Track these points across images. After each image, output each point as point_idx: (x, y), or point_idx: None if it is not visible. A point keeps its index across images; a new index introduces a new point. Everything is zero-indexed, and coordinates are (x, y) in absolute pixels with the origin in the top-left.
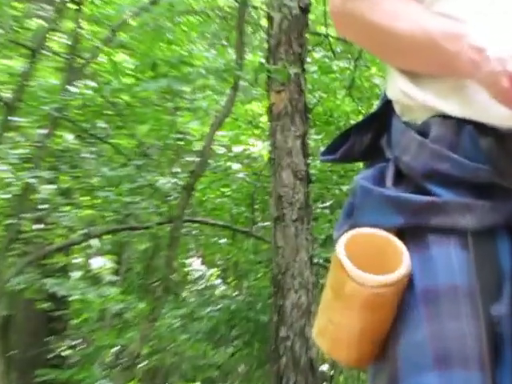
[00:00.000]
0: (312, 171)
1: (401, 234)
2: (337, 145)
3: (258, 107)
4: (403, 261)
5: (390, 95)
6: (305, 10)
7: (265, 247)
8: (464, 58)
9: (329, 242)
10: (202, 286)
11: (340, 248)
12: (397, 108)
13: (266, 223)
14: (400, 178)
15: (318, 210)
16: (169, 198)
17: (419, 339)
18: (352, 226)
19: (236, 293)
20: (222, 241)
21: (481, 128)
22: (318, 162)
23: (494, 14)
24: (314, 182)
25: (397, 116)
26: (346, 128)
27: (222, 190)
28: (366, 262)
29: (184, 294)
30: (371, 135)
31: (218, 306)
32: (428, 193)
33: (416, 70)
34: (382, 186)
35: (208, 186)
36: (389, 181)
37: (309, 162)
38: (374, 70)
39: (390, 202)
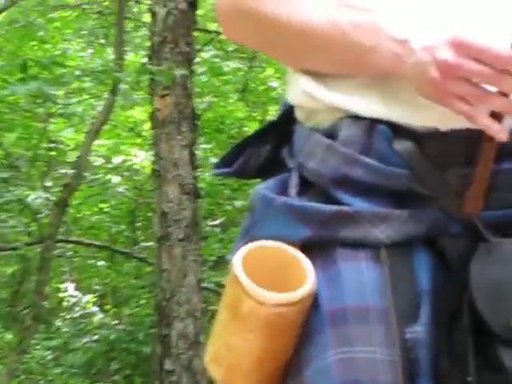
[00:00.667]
0: (201, 185)
1: (307, 247)
2: (232, 156)
3: (140, 113)
4: (308, 278)
5: (292, 99)
6: (192, 5)
7: (148, 270)
8: (384, 51)
9: (220, 264)
10: (77, 314)
11: (237, 262)
12: (300, 113)
13: (149, 243)
14: (305, 186)
15: (208, 229)
16: (40, 216)
17: (325, 365)
18: (251, 241)
19: (115, 321)
20: (100, 263)
21: (397, 129)
22: (208, 174)
23: (413, 2)
24: (203, 196)
25: (300, 122)
26: (242, 138)
27: (100, 205)
28: (267, 278)
29: (57, 323)
30: (270, 146)
31: (95, 337)
32: (337, 201)
33: (326, 70)
34: (285, 195)
35: (84, 202)
36: (292, 190)
37: (197, 174)
38: (269, 71)
39: (294, 213)
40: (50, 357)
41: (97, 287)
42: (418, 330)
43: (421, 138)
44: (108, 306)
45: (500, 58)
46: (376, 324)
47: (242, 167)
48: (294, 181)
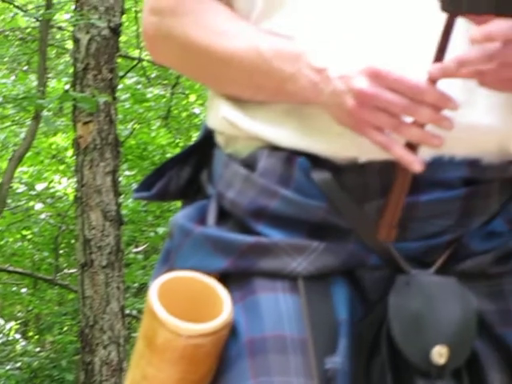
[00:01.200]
0: (124, 211)
1: (225, 277)
2: (152, 180)
3: (63, 140)
4: (224, 308)
5: (212, 124)
6: (115, 31)
7: (71, 297)
8: (302, 79)
9: (143, 291)
10: (0, 341)
11: (153, 293)
12: (220, 139)
13: (72, 270)
14: (224, 216)
15: (131, 255)
16: None
17: None
18: (169, 270)
19: (38, 349)
20: (23, 290)
21: (316, 160)
22: (131, 200)
23: (334, 31)
24: (126, 223)
25: (219, 148)
26: (162, 162)
27: (23, 232)
28: (184, 308)
29: None
30: (190, 170)
31: (18, 364)
32: (255, 233)
33: (249, 96)
34: (204, 224)
35: (6, 229)
36: (211, 219)
37: (120, 201)
38: (192, 97)
39: (212, 243)
40: None
41: (20, 314)
42: (337, 361)
43: (339, 169)
44: (31, 333)
45: (416, 88)
46: (294, 354)
47: (162, 191)
48: (212, 210)
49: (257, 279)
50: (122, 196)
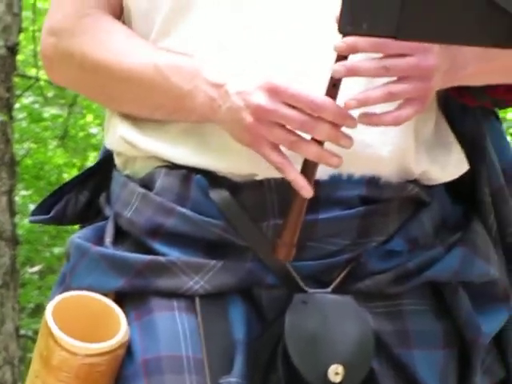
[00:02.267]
0: (20, 231)
1: (122, 296)
2: (49, 203)
3: None
4: (120, 327)
5: (110, 145)
6: (12, 50)
7: None
8: (200, 96)
9: (38, 312)
10: None
11: (48, 312)
12: (118, 160)
13: None
14: (121, 236)
15: (27, 275)
16: None
17: None
18: (66, 290)
19: None
20: None
21: (214, 178)
22: (27, 220)
23: (233, 47)
24: (21, 243)
25: (118, 169)
26: (60, 184)
27: None
28: (80, 328)
29: None
30: (89, 193)
31: None
32: (152, 251)
33: (145, 114)
34: (101, 245)
35: None
36: (108, 239)
37: (16, 221)
38: (89, 117)
39: (108, 263)
40: None
41: None
42: (232, 381)
43: (237, 187)
44: None
45: (314, 104)
46: (190, 374)
47: (60, 214)
48: (109, 230)
49: (153, 298)
50: (18, 216)
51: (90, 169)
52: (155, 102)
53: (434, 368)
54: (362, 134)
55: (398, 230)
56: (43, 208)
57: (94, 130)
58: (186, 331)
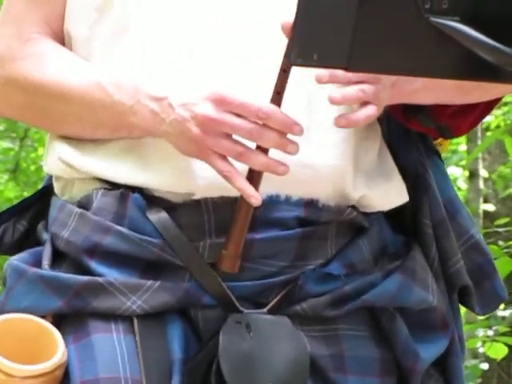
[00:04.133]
0: None
1: (60, 319)
2: None
3: None
4: (58, 349)
5: (49, 169)
6: None
7: None
8: (142, 110)
9: None
10: None
11: None
12: (56, 185)
13: None
14: (60, 258)
15: None
16: None
17: None
18: (2, 312)
19: None
20: None
21: (152, 198)
22: None
23: (174, 62)
24: None
25: (56, 195)
26: None
27: None
28: (18, 351)
29: None
30: (27, 223)
31: None
32: (89, 272)
33: (88, 134)
34: (39, 267)
35: None
36: (45, 260)
37: None
38: (41, 150)
39: (45, 283)
40: None
41: None
42: None
43: (175, 207)
44: None
45: (260, 112)
46: None
47: None
48: (47, 252)
49: (91, 320)
50: None
51: (28, 198)
52: (97, 120)
53: None
54: (302, 154)
55: (335, 254)
56: None
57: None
58: (124, 352)
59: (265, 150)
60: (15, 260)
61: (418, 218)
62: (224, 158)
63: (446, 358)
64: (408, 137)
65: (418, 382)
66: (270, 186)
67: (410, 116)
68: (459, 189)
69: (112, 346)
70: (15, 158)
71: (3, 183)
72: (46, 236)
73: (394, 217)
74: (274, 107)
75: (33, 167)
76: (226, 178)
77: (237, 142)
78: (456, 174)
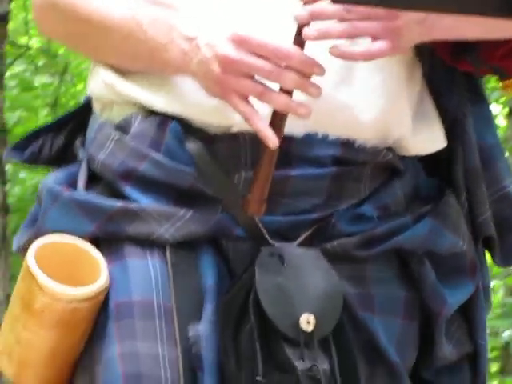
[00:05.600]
0: (10, 200)
1: (97, 241)
2: (25, 144)
3: None
4: (101, 273)
5: (92, 90)
6: (4, 19)
7: None
8: (174, 49)
9: None
10: None
11: (30, 257)
12: (96, 105)
13: None
14: (95, 180)
15: None
16: None
17: (110, 359)
18: (36, 234)
19: None
20: None
21: (189, 127)
22: (18, 189)
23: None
24: (12, 211)
25: (95, 114)
26: (37, 127)
27: None
28: (61, 273)
29: None
30: (65, 138)
31: None
32: (124, 197)
33: (125, 65)
34: (74, 188)
35: None
36: (81, 183)
37: (6, 189)
38: (80, 86)
39: (80, 207)
40: None
41: None
42: (201, 329)
43: (212, 138)
44: None
45: (280, 52)
46: (160, 321)
47: (35, 155)
48: (82, 173)
49: (126, 245)
50: (9, 184)
51: (68, 114)
52: (133, 53)
53: (392, 336)
54: (343, 95)
55: (369, 195)
56: (18, 149)
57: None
58: (158, 278)
59: (288, 93)
60: (50, 181)
61: (451, 164)
62: (245, 99)
63: (470, 304)
64: (452, 80)
65: (442, 327)
66: (308, 123)
67: (459, 57)
68: (498, 127)
69: (146, 271)
70: (55, 93)
71: (43, 118)
72: (82, 154)
73: (429, 160)
74: (293, 47)
75: (72, 102)
76: (245, 119)
77: (258, 82)
78: (495, 111)
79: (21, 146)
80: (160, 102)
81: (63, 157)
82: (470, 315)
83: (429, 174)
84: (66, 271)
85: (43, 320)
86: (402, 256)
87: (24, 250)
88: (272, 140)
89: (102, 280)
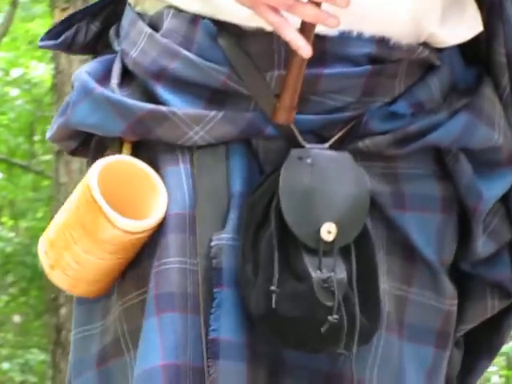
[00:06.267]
0: None
1: (135, 150)
2: (59, 30)
3: (40, 26)
4: (162, 198)
5: None
6: None
7: (46, 183)
8: None
9: None
10: None
11: (93, 186)
12: None
13: (47, 157)
14: (128, 77)
15: None
16: None
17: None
18: (65, 124)
19: (12, 234)
20: None
21: (222, 25)
22: None
23: None
24: None
25: (129, 5)
26: (71, 13)
27: None
28: (118, 194)
29: None
30: (100, 24)
31: None
32: (155, 97)
33: None
34: (107, 84)
35: None
36: (114, 79)
37: None
38: None
39: (111, 106)
40: None
41: None
42: (224, 237)
43: (245, 35)
44: (5, 219)
45: None
46: (189, 233)
47: (69, 41)
48: (116, 69)
49: (159, 154)
50: None
51: (103, 0)
52: None
53: (429, 232)
54: None
55: (403, 92)
56: (52, 35)
57: None
58: (190, 186)
59: (317, 4)
60: (84, 73)
61: (491, 46)
62: (275, 10)
63: (510, 193)
64: None
65: (479, 222)
66: (342, 22)
67: None
68: None
69: (179, 180)
70: None
71: None
72: (117, 46)
73: (466, 47)
74: None
75: None
76: (276, 28)
77: None
78: None
79: (55, 32)
80: (191, 3)
81: (97, 44)
82: (510, 204)
83: (469, 62)
84: (122, 192)
85: (107, 248)
86: (437, 153)
87: (55, 139)
88: (304, 49)
89: (163, 207)
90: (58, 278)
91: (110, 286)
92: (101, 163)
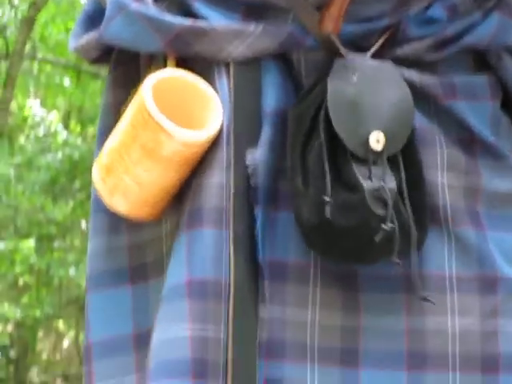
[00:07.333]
0: None
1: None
2: None
3: None
4: (217, 109)
5: None
6: None
7: None
8: None
9: None
10: (42, 133)
11: (150, 103)
12: None
13: None
14: None
15: None
16: (6, 33)
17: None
18: (98, 40)
19: (79, 140)
20: (66, 82)
21: None
22: None
23: None
24: None
25: None
26: None
27: (68, 25)
28: (173, 108)
29: (21, 141)
30: None
31: (59, 155)
32: (192, 13)
33: None
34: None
35: (51, 20)
36: None
37: None
38: None
39: (147, 22)
40: (12, 174)
41: (62, 106)
42: (258, 155)
43: None
44: (72, 126)
45: None
46: (224, 147)
47: None
48: None
49: (196, 68)
50: None
51: None
52: None
53: (484, 118)
54: None
55: None
56: None
57: None
58: (227, 103)
59: None
60: None
61: None
62: None
63: None
64: None
65: None
66: None
67: None
68: None
69: (218, 96)
70: None
71: None
72: None
73: None
74: None
75: None
76: None
77: None
78: None
79: None
80: None
81: None
82: None
83: None
84: (176, 107)
85: (169, 164)
86: (478, 55)
87: (79, 51)
88: None
89: (220, 117)
90: (118, 202)
91: (166, 208)
92: (153, 79)
